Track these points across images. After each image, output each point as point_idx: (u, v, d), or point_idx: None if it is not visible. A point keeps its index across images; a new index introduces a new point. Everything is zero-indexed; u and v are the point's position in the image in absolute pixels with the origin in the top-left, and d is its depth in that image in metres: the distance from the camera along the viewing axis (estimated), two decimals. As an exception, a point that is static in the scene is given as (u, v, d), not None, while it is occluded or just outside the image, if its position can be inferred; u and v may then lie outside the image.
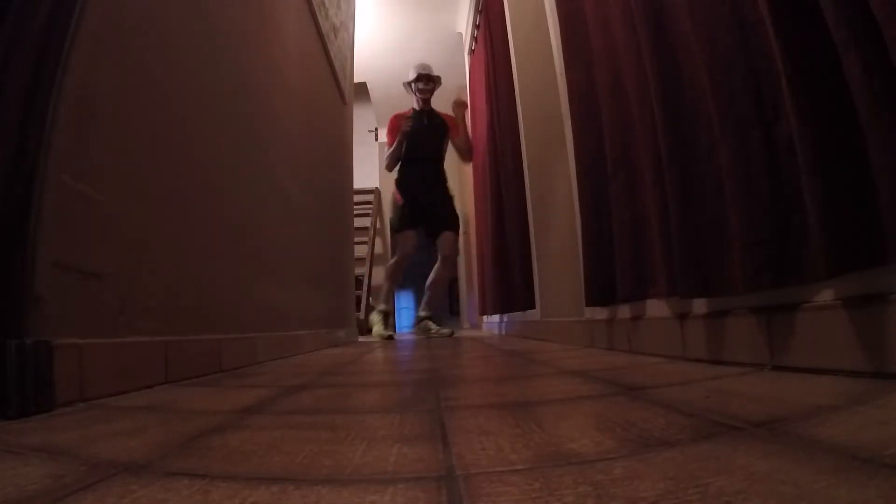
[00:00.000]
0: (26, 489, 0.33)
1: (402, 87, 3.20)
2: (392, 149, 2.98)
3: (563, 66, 1.57)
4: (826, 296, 0.64)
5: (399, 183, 3.03)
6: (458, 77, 4.38)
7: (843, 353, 0.60)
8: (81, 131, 0.71)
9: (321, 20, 2.36)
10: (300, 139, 2.01)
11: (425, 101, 3.08)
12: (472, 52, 3.92)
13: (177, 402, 0.72)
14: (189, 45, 1.07)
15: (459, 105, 3.12)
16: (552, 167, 1.88)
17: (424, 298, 3.05)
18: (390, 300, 3.15)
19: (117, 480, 0.35)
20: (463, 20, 4.08)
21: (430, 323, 2.95)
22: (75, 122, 0.70)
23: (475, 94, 3.78)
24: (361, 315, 4.05)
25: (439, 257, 2.99)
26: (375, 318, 2.97)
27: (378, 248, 5.42)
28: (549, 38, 1.81)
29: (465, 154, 3.23)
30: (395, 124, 3.03)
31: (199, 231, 1.09)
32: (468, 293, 5.45)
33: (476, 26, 3.66)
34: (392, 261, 3.00)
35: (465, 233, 5.45)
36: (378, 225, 5.46)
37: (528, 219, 2.29)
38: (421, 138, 2.97)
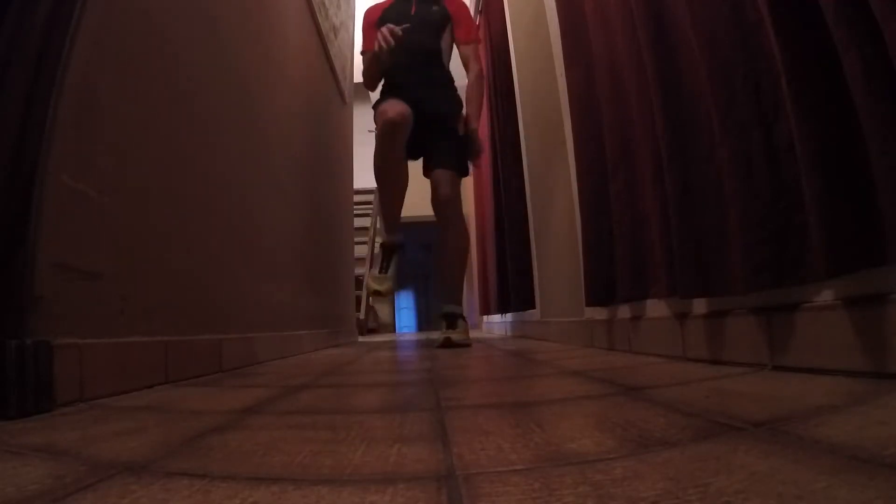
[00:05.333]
0: (26, 489, 0.33)
1: None
2: (364, 66, 2.02)
3: (563, 66, 1.57)
4: (826, 296, 0.64)
5: (377, 102, 1.92)
6: (458, 77, 4.37)
7: (843, 353, 0.60)
8: (81, 131, 0.71)
9: (321, 20, 2.36)
10: (300, 139, 2.01)
11: None
12: (472, 51, 3.92)
13: (177, 402, 0.72)
14: (190, 45, 1.07)
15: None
16: (552, 167, 1.88)
17: (442, 290, 2.05)
18: (390, 224, 1.99)
19: (117, 480, 0.35)
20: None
21: (452, 324, 1.85)
22: (75, 122, 0.70)
23: (475, 94, 3.77)
24: (361, 315, 4.03)
25: (434, 211, 1.96)
26: (374, 266, 2.03)
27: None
28: (549, 38, 1.81)
29: (473, 72, 2.04)
30: (368, 20, 2.10)
31: (200, 231, 1.09)
32: (468, 293, 5.45)
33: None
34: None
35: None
36: (378, 225, 5.45)
37: (528, 218, 2.29)
38: (406, 31, 1.84)
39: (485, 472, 0.34)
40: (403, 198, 1.99)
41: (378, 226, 1.99)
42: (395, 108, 1.79)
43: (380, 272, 1.95)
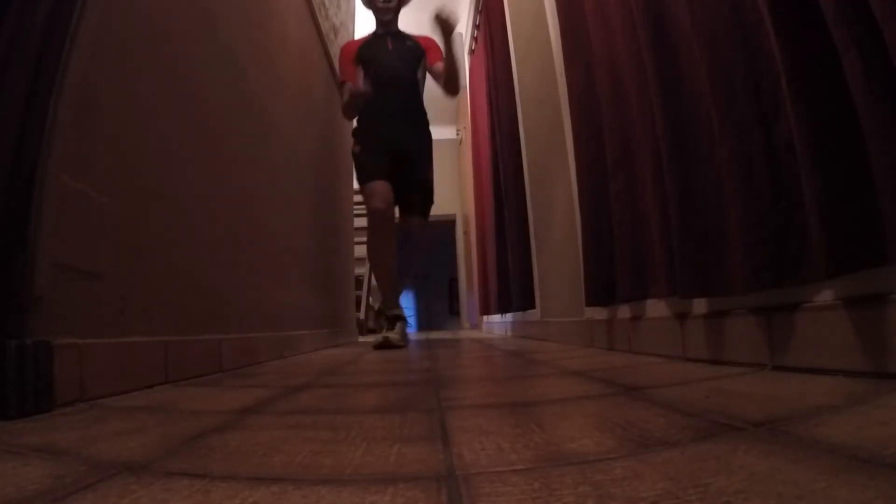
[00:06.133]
0: (26, 489, 0.33)
1: None
2: (345, 100, 2.13)
3: (563, 66, 1.57)
4: (826, 296, 0.64)
5: (356, 129, 2.18)
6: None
7: (843, 353, 0.60)
8: (81, 131, 0.71)
9: (321, 20, 2.36)
10: (301, 139, 2.01)
11: (385, 24, 2.20)
12: (472, 52, 3.92)
13: (177, 402, 0.72)
14: (190, 46, 1.07)
15: (441, 21, 1.96)
16: (552, 167, 1.88)
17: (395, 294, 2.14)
18: (391, 298, 2.11)
19: (117, 480, 0.35)
20: (463, 20, 4.09)
21: (392, 324, 1.99)
22: (75, 122, 0.70)
23: (475, 94, 3.78)
24: (361, 315, 4.04)
25: (404, 232, 2.18)
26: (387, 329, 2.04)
27: (376, 281, 5.38)
28: (549, 38, 1.81)
29: (448, 81, 2.13)
30: (346, 54, 2.19)
31: (200, 231, 1.09)
32: (468, 293, 5.45)
33: (476, 26, 3.66)
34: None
35: (465, 232, 5.46)
36: (372, 280, 5.44)
37: (528, 218, 2.29)
38: (385, 67, 2.10)
39: (485, 472, 0.34)
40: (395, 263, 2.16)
41: (371, 280, 2.32)
42: (384, 199, 2.01)
43: (392, 331, 2.00)
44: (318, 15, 2.29)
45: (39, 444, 0.46)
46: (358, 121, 2.19)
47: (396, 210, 2.15)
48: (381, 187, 2.01)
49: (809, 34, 0.61)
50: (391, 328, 1.98)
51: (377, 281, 2.20)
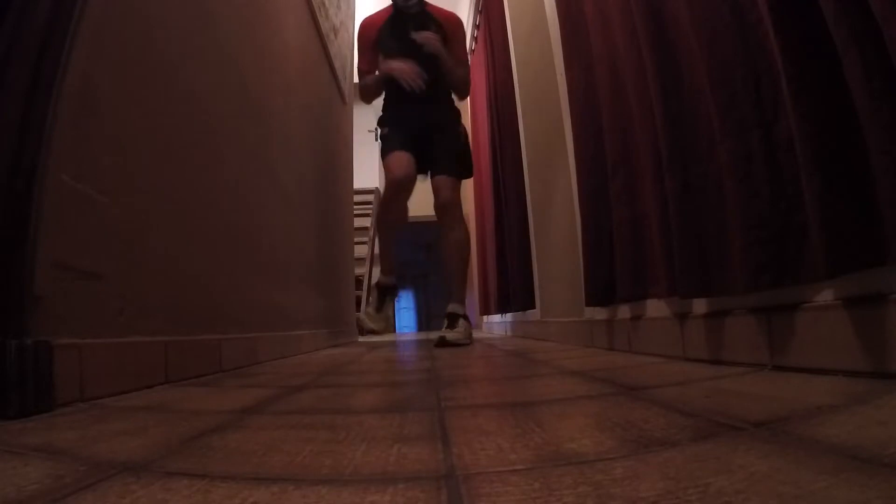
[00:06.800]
0: (26, 489, 0.33)
1: None
2: (364, 82, 2.10)
3: (563, 66, 1.57)
4: (826, 296, 0.64)
5: (382, 118, 2.14)
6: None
7: (843, 353, 0.60)
8: (81, 131, 0.71)
9: (321, 20, 2.36)
10: (300, 139, 2.01)
11: (402, 8, 2.04)
12: (472, 52, 3.92)
13: (177, 402, 0.72)
14: (189, 45, 1.07)
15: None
16: (552, 166, 1.88)
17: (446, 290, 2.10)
18: (387, 266, 2.09)
19: (117, 480, 0.35)
20: (463, 20, 4.08)
21: (453, 323, 1.90)
22: (75, 122, 0.69)
23: (475, 94, 3.78)
24: (362, 314, 4.02)
25: (436, 214, 2.04)
26: (370, 304, 2.11)
27: (378, 248, 5.39)
28: (549, 38, 1.81)
29: (458, 83, 2.09)
30: (365, 40, 2.09)
31: (200, 231, 1.09)
32: (468, 293, 5.45)
33: (476, 26, 3.66)
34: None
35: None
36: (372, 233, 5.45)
37: (528, 218, 2.29)
38: (405, 51, 1.97)
39: (485, 472, 0.34)
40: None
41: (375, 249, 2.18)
42: (401, 167, 1.95)
43: (376, 311, 2.07)
44: (318, 15, 2.29)
45: (39, 443, 0.46)
46: (383, 109, 2.15)
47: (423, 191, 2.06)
48: (400, 156, 1.96)
49: (809, 33, 0.61)
50: (451, 326, 1.86)
51: (379, 250, 2.15)
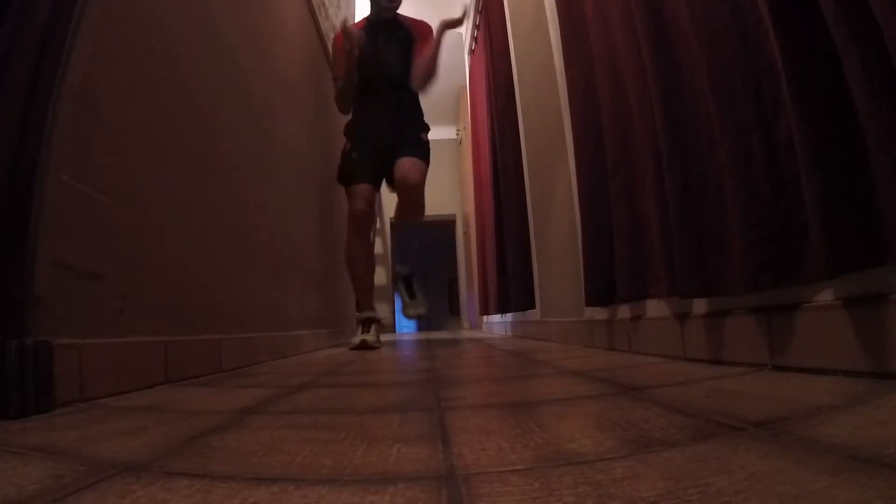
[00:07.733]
0: (26, 489, 0.33)
1: None
2: (336, 87, 2.14)
3: (563, 65, 1.57)
4: (826, 296, 0.64)
5: (348, 127, 2.15)
6: (459, 77, 4.37)
7: (843, 353, 0.60)
8: (81, 131, 0.71)
9: (321, 20, 2.36)
10: (300, 139, 2.01)
11: (383, 10, 2.12)
12: (472, 52, 3.92)
13: (177, 402, 0.72)
14: (191, 46, 1.07)
15: (448, 25, 2.08)
16: (552, 166, 1.88)
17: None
18: (366, 301, 2.12)
19: (117, 480, 0.35)
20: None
21: (367, 327, 2.01)
22: (75, 122, 0.69)
23: (475, 94, 3.78)
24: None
25: (401, 197, 2.08)
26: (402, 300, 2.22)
27: (378, 249, 5.42)
28: (549, 38, 1.81)
29: (420, 77, 2.11)
30: (340, 48, 2.07)
31: (200, 230, 1.09)
32: (468, 293, 5.45)
33: (476, 26, 3.66)
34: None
35: (465, 232, 5.46)
36: (378, 225, 5.46)
37: (528, 218, 2.29)
38: (377, 61, 2.06)
39: (485, 472, 0.34)
40: (373, 274, 2.22)
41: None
42: (363, 197, 2.02)
43: (410, 299, 2.22)
44: (318, 15, 2.29)
45: (39, 443, 0.46)
46: (350, 118, 2.18)
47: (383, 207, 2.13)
48: (364, 190, 2.03)
49: (809, 33, 0.61)
50: (367, 331, 2.02)
51: (352, 283, 2.17)
